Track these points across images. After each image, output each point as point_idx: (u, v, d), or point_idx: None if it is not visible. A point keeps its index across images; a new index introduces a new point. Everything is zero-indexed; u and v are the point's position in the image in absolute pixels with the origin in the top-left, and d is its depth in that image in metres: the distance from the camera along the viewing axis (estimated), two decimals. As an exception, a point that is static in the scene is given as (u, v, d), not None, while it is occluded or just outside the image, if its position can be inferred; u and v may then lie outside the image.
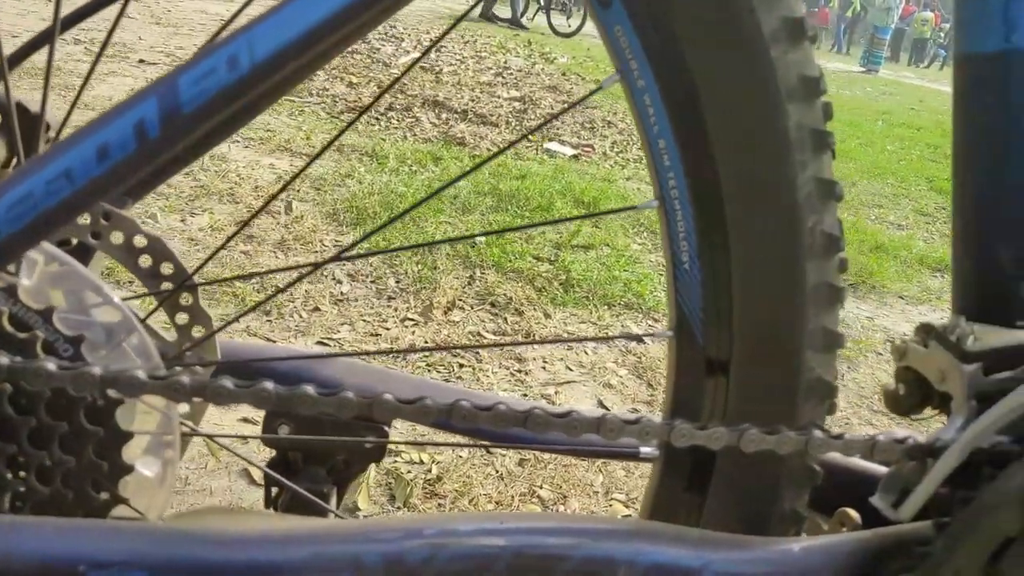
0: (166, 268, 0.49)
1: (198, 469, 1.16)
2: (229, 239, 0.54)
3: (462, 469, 1.24)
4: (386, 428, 0.55)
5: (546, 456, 1.31)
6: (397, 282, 1.92)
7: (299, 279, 0.45)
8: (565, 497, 1.23)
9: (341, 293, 1.83)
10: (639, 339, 0.59)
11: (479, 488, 1.21)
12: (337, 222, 2.24)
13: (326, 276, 1.88)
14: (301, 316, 1.69)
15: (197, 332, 0.49)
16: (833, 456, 0.53)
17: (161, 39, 4.41)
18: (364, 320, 1.72)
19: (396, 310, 1.78)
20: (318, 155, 0.47)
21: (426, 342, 1.64)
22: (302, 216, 2.21)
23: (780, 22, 0.38)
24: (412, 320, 1.75)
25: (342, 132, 0.47)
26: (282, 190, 0.48)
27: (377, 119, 3.60)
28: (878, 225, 3.29)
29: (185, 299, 0.48)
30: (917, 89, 10.63)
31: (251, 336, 1.57)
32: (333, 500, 0.56)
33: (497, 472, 1.26)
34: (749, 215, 0.42)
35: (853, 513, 0.50)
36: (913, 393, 0.48)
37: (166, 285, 0.50)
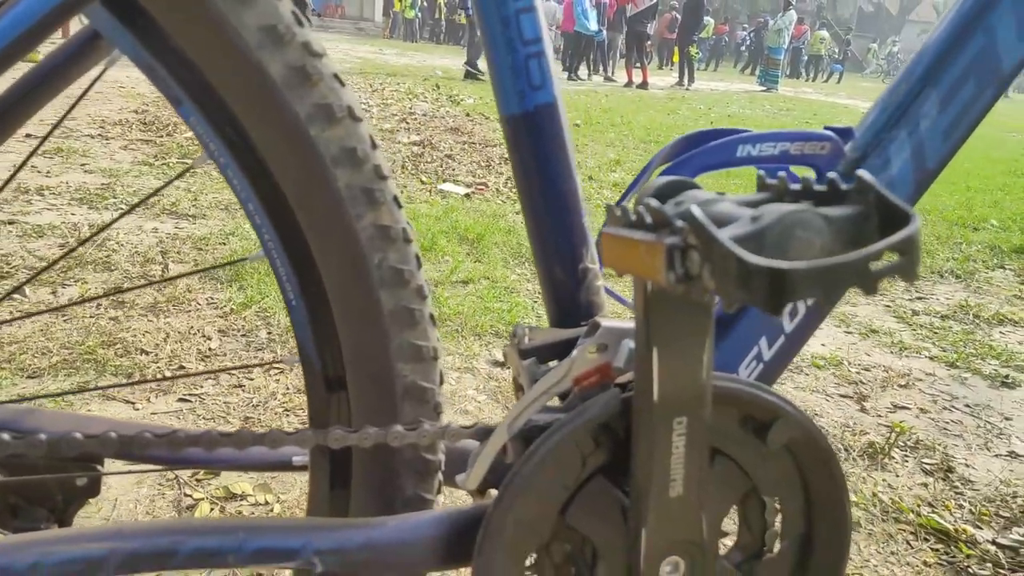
0: None
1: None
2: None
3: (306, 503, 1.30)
4: (98, 467, 0.62)
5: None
6: (268, 333, 1.98)
7: None
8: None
9: (209, 349, 1.87)
10: (272, 364, 0.68)
11: (319, 522, 1.27)
12: (215, 280, 2.29)
13: (195, 333, 1.92)
14: (164, 375, 1.73)
15: None
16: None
17: None
18: (229, 373, 1.76)
19: (263, 360, 1.83)
20: (139, 203, 0.55)
21: (287, 388, 1.70)
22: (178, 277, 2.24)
23: (314, 107, 0.49)
24: (278, 368, 1.81)
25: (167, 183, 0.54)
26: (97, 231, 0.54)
27: (271, 174, 3.66)
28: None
29: None
30: (812, 103, 11.29)
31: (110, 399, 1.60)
32: (57, 537, 0.62)
33: (340, 505, 1.32)
34: (328, 258, 0.51)
35: (494, 492, 0.60)
36: (520, 388, 0.59)
37: None
